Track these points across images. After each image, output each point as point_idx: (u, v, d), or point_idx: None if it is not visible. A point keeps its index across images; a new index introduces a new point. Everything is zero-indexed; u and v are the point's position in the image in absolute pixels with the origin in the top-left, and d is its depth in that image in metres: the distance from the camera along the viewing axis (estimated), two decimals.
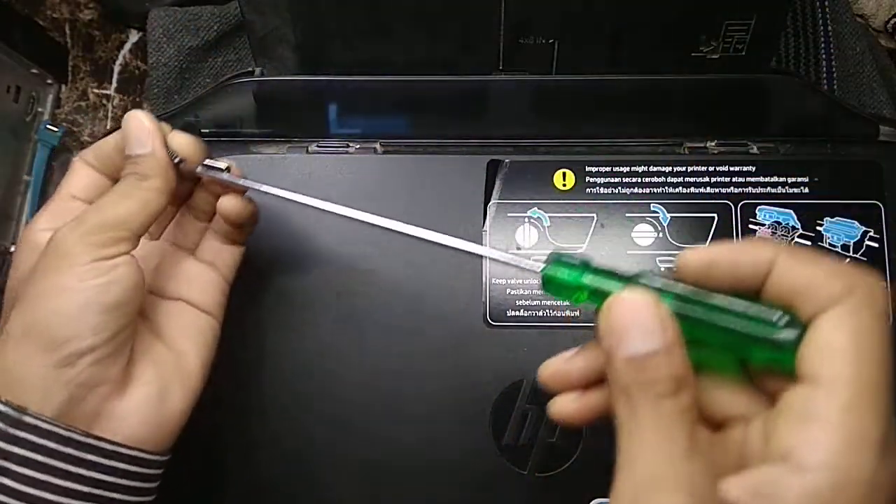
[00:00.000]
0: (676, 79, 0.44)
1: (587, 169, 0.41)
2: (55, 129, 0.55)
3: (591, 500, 0.38)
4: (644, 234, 0.41)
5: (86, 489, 0.29)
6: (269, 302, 0.40)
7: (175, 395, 0.33)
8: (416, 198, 0.41)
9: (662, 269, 0.40)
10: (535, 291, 0.40)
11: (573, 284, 0.26)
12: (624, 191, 0.41)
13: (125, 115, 0.33)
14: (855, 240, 0.40)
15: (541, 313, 0.40)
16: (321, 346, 0.40)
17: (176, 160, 0.33)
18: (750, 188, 0.41)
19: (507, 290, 0.40)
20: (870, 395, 0.21)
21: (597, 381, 0.27)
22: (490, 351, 0.40)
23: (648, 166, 0.41)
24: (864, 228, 0.40)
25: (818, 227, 0.40)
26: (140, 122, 0.33)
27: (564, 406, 0.28)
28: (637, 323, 0.23)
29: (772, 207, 0.41)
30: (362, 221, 0.33)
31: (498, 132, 0.43)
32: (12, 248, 0.52)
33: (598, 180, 0.41)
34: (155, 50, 0.52)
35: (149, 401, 0.31)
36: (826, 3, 0.52)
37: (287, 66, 0.45)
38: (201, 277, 0.36)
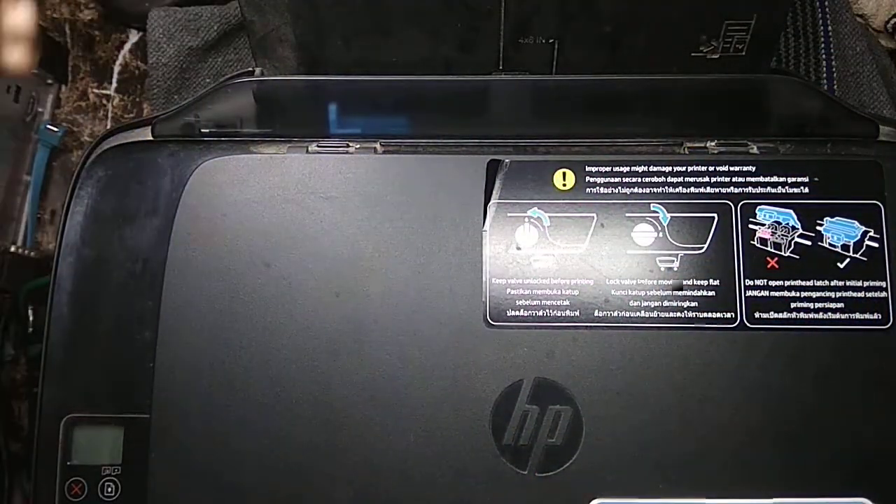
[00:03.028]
0: (676, 79, 0.44)
1: (587, 169, 0.41)
2: (55, 129, 0.55)
3: (591, 501, 0.38)
4: (644, 233, 0.41)
5: None
6: (267, 301, 0.40)
7: None
8: (416, 198, 0.41)
9: (662, 269, 0.40)
10: (535, 291, 0.40)
11: None
12: (624, 191, 0.41)
13: None
14: (855, 240, 0.40)
15: (541, 313, 0.40)
16: (320, 345, 0.40)
17: None
18: (750, 188, 0.41)
19: (507, 290, 0.40)
20: None
21: None
22: (490, 351, 0.40)
23: (648, 166, 0.41)
24: (864, 228, 0.40)
25: (818, 227, 0.40)
26: None
27: None
28: None
29: (772, 207, 0.41)
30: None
31: (498, 132, 0.43)
32: (12, 248, 0.52)
33: (598, 180, 0.41)
34: (155, 50, 0.52)
35: None
36: (826, 4, 0.52)
37: (287, 66, 0.45)
38: None
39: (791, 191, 0.41)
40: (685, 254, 0.40)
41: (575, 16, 0.42)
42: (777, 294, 0.40)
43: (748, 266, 0.40)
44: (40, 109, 0.56)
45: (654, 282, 0.40)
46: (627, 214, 0.41)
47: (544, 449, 0.39)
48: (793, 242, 0.40)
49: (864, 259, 0.40)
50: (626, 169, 0.41)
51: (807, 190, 0.41)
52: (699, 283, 0.40)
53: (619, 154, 0.42)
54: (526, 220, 0.41)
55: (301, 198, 0.41)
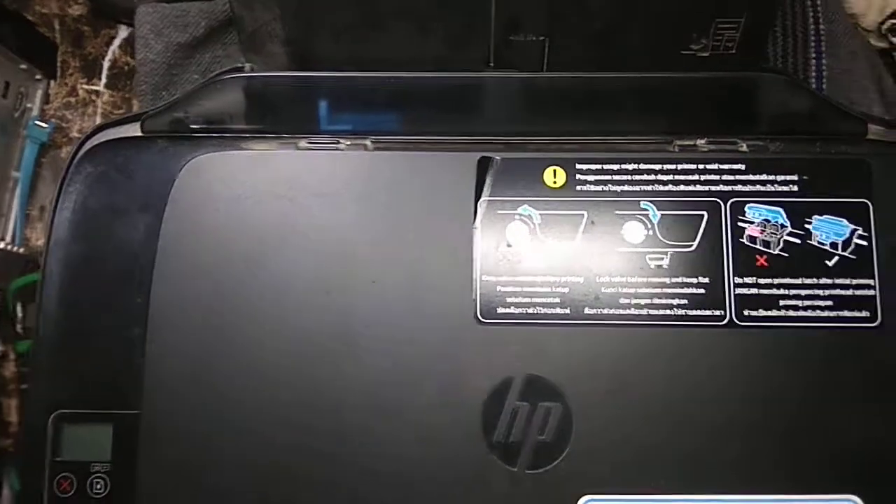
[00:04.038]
0: (667, 77, 0.44)
1: (577, 166, 0.42)
2: (44, 125, 0.55)
3: (580, 497, 0.38)
4: (634, 231, 0.41)
5: None
6: (257, 298, 0.40)
7: None
8: (406, 194, 0.41)
9: (652, 267, 0.40)
10: (525, 289, 0.40)
11: None
12: (614, 188, 0.41)
13: None
14: (844, 238, 0.40)
15: (531, 311, 0.40)
16: (310, 342, 0.40)
17: None
18: (739, 186, 0.41)
19: (498, 288, 0.40)
20: None
21: None
22: (481, 348, 0.40)
23: (639, 164, 0.41)
24: (852, 227, 0.40)
25: (807, 225, 0.40)
26: None
27: None
28: None
29: (761, 205, 0.41)
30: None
31: (489, 129, 0.43)
32: (1, 245, 0.52)
33: (589, 178, 0.41)
34: (143, 46, 0.52)
35: None
36: (818, 3, 0.52)
37: (277, 62, 0.45)
38: None
39: (780, 189, 0.41)
40: (675, 251, 0.40)
41: (565, 13, 0.42)
42: (766, 292, 0.40)
43: (737, 264, 0.40)
44: (29, 105, 0.55)
45: (644, 279, 0.40)
46: (618, 212, 0.41)
47: (534, 446, 0.39)
48: (782, 240, 0.40)
49: (853, 257, 0.40)
50: (616, 167, 0.41)
51: (796, 188, 0.41)
52: (689, 280, 0.40)
53: (610, 152, 0.42)
54: (516, 217, 0.41)
55: (291, 194, 0.41)
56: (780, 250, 0.40)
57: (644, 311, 0.40)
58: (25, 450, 0.40)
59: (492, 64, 0.45)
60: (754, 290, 0.40)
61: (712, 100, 0.45)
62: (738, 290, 0.40)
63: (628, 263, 0.40)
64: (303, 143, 0.43)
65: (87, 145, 0.43)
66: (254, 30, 0.44)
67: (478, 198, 0.41)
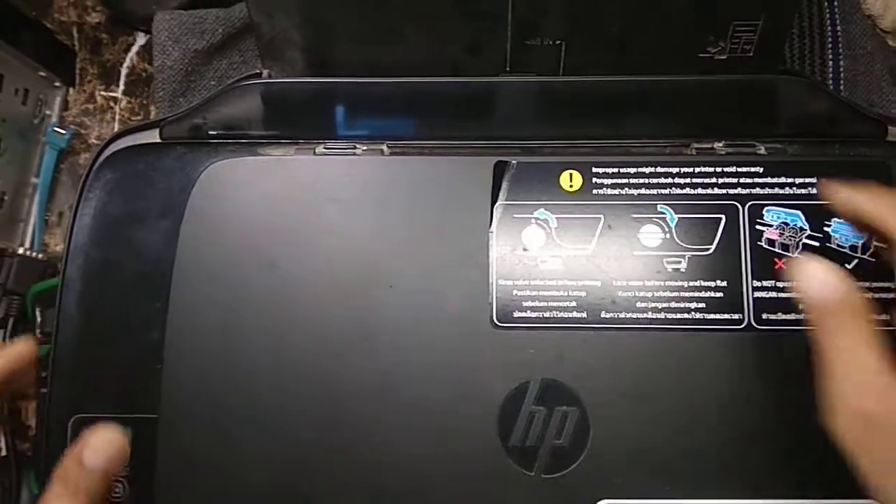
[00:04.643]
0: (684, 80, 0.44)
1: (594, 170, 0.41)
2: (63, 131, 0.55)
3: (597, 502, 0.38)
4: (651, 234, 0.41)
5: None
6: (275, 302, 0.40)
7: None
8: (422, 199, 0.41)
9: (669, 270, 0.40)
10: (542, 293, 0.40)
11: None
12: (631, 192, 0.41)
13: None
14: (863, 241, 0.40)
15: (548, 314, 0.40)
16: (327, 347, 0.40)
17: None
18: (758, 189, 0.41)
19: (514, 292, 0.40)
20: None
21: None
22: (497, 352, 0.39)
23: (655, 167, 0.41)
24: None
25: (826, 228, 0.40)
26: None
27: None
28: None
29: (780, 208, 0.40)
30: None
31: (505, 133, 0.43)
32: (20, 250, 0.53)
33: (605, 181, 0.41)
34: (160, 53, 0.52)
35: None
36: (835, 4, 0.52)
37: (295, 68, 0.45)
38: None
39: (799, 192, 0.41)
40: (692, 255, 0.40)
41: (582, 17, 0.42)
42: (785, 295, 0.40)
43: (756, 267, 0.40)
44: (48, 112, 0.56)
45: (662, 283, 0.40)
46: (634, 215, 0.41)
47: (551, 450, 0.39)
48: (801, 243, 0.40)
49: (872, 260, 0.40)
50: (633, 170, 0.41)
51: (815, 191, 0.41)
52: (706, 284, 0.40)
53: (626, 155, 0.42)
54: (533, 221, 0.41)
55: (308, 199, 0.41)
56: (799, 253, 0.40)
57: (661, 315, 0.40)
58: (45, 454, 0.40)
59: (508, 68, 0.45)
60: (773, 294, 0.40)
61: (730, 102, 0.44)
62: (757, 294, 0.40)
63: (645, 267, 0.40)
64: (320, 149, 0.43)
65: (107, 152, 0.43)
66: (272, 36, 0.44)
67: (494, 202, 0.41)
